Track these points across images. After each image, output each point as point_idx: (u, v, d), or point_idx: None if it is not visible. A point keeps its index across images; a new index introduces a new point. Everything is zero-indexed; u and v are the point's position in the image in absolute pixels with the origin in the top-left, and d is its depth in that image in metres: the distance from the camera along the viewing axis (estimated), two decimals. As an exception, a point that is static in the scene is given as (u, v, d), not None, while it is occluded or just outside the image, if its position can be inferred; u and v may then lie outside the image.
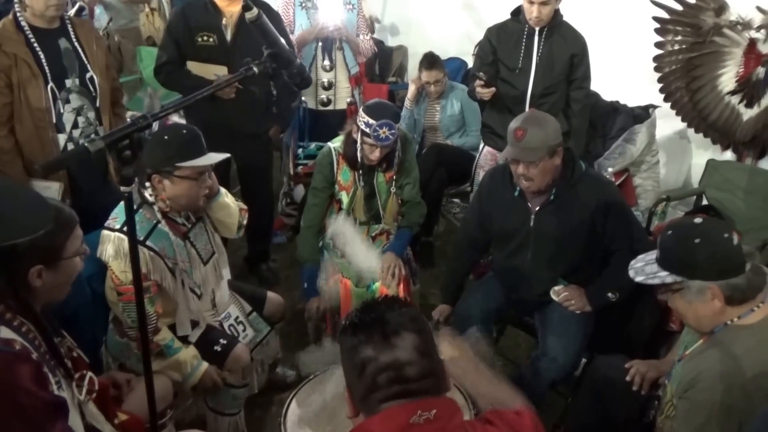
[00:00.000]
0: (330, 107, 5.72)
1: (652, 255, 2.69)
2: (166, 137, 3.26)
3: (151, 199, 3.31)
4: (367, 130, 4.00)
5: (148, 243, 3.26)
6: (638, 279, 2.68)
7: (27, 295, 2.31)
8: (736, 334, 2.53)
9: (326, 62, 5.58)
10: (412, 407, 1.78)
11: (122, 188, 2.22)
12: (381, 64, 8.03)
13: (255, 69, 2.81)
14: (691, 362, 2.67)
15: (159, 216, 3.34)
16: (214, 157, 3.35)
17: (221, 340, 3.57)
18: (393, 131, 4.00)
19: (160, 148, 3.24)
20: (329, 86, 5.64)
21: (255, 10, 2.99)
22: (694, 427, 2.52)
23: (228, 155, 3.48)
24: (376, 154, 4.11)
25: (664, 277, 2.59)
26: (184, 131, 3.33)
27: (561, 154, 3.61)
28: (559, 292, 3.82)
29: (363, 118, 4.02)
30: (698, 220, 2.62)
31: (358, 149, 4.15)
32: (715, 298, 2.50)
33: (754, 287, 2.51)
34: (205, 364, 3.45)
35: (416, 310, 1.97)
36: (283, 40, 3.19)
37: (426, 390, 1.82)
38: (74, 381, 2.44)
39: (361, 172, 4.27)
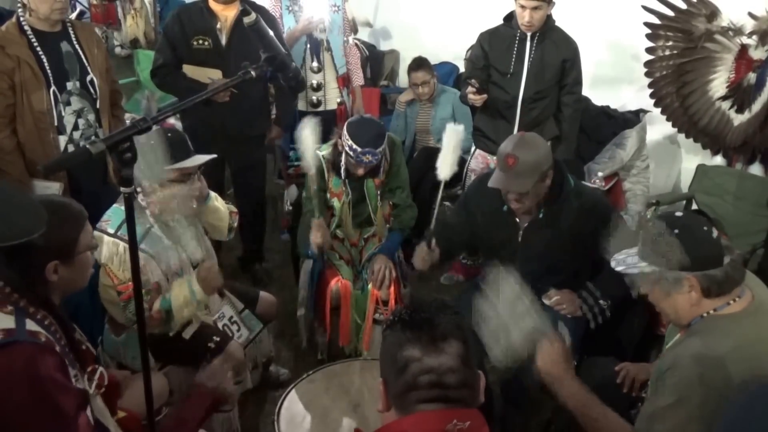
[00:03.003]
0: (320, 108, 5.72)
1: (635, 248, 2.71)
2: (152, 142, 3.28)
3: (143, 203, 3.35)
4: (351, 152, 4.02)
5: (141, 246, 3.29)
6: (619, 269, 2.70)
7: (45, 290, 2.37)
8: (713, 324, 2.54)
9: (314, 64, 5.59)
10: (449, 415, 1.79)
11: (122, 189, 2.25)
12: (373, 68, 8.04)
13: (252, 73, 2.83)
14: (668, 354, 2.69)
15: (152, 220, 3.39)
16: (200, 159, 3.39)
17: (214, 337, 3.59)
18: (376, 156, 4.03)
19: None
20: (318, 87, 5.65)
21: (253, 15, 3.01)
22: (661, 406, 2.51)
23: (213, 156, 3.50)
24: (360, 171, 4.15)
25: (643, 267, 2.61)
26: (170, 134, 3.35)
27: (551, 176, 3.60)
28: (551, 296, 3.82)
29: (347, 141, 4.03)
30: (679, 213, 2.67)
31: (342, 162, 4.18)
32: (692, 289, 2.52)
33: (731, 280, 2.53)
34: (192, 275, 3.48)
35: (464, 318, 1.97)
36: (279, 44, 3.21)
37: (463, 400, 1.84)
38: (86, 374, 2.49)
39: (347, 181, 4.28)
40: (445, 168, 3.70)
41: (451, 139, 3.73)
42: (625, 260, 2.70)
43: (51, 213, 2.27)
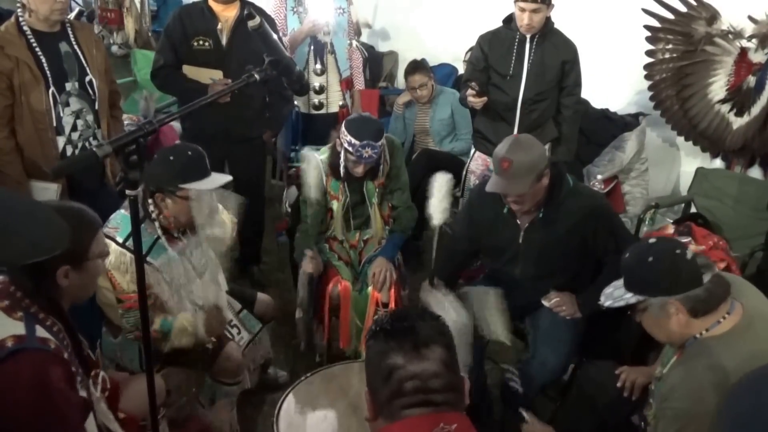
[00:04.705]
0: (322, 111, 5.71)
1: (621, 281, 2.76)
2: (171, 157, 3.30)
3: (153, 215, 3.35)
4: (350, 149, 3.99)
5: (148, 259, 3.29)
6: (607, 304, 2.76)
7: (55, 295, 2.38)
8: (705, 346, 2.58)
9: (318, 66, 5.59)
10: (435, 419, 1.81)
11: (128, 192, 2.25)
12: (372, 70, 8.02)
13: (256, 76, 2.82)
14: (666, 379, 2.73)
15: (160, 231, 3.38)
16: (217, 181, 3.39)
17: (212, 338, 3.58)
18: (376, 150, 4.00)
19: (164, 168, 3.28)
20: (321, 90, 5.64)
21: (258, 19, 3.01)
22: None
23: (230, 177, 3.51)
24: (360, 169, 4.12)
25: (629, 298, 2.67)
26: (189, 152, 3.35)
27: (548, 175, 3.60)
28: (550, 298, 3.84)
29: (345, 136, 4.01)
30: (652, 240, 2.73)
31: (342, 164, 4.16)
32: (678, 312, 2.57)
33: (715, 297, 2.58)
34: (200, 317, 3.45)
35: (445, 323, 2.01)
36: (283, 47, 3.21)
37: (448, 403, 1.85)
38: (90, 378, 2.50)
39: (347, 183, 4.26)
40: (437, 215, 3.69)
41: (442, 186, 3.72)
42: (612, 293, 2.76)
43: (65, 219, 2.26)
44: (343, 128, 4.07)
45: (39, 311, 2.31)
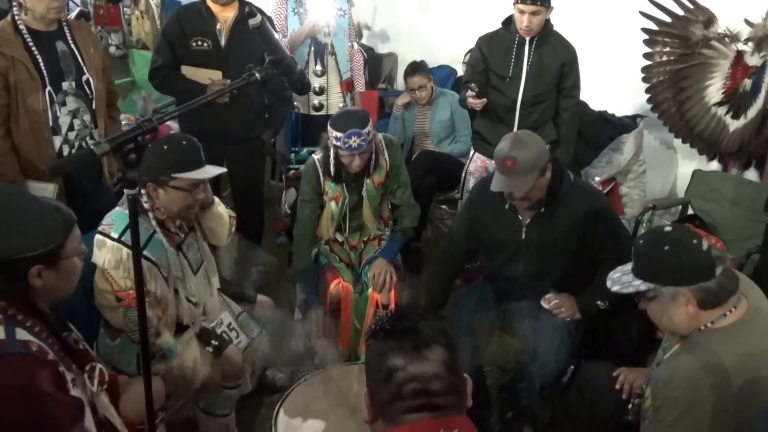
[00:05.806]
0: (322, 112, 5.71)
1: (629, 266, 2.74)
2: (165, 147, 3.26)
3: (147, 207, 3.29)
4: (338, 143, 4.00)
5: (145, 253, 3.24)
6: (614, 289, 2.74)
7: (31, 296, 2.31)
8: (709, 337, 2.58)
9: (318, 67, 5.59)
10: (436, 425, 1.77)
11: (127, 191, 2.23)
12: (371, 71, 8.01)
13: (257, 75, 2.81)
14: (666, 365, 2.73)
15: (155, 225, 3.33)
16: (210, 171, 3.37)
17: (212, 341, 3.57)
18: (363, 137, 3.97)
19: (158, 158, 3.23)
20: (321, 91, 5.65)
21: (258, 17, 3.00)
22: (665, 423, 2.57)
23: (224, 169, 3.50)
24: (356, 162, 4.10)
25: (639, 285, 2.65)
26: (184, 142, 3.32)
27: (550, 169, 3.62)
28: (549, 300, 3.83)
29: (331, 134, 4.02)
30: (668, 228, 2.69)
31: (332, 162, 4.16)
32: (688, 303, 2.56)
33: (726, 290, 2.57)
34: (205, 368, 3.44)
35: (448, 323, 1.95)
36: (284, 47, 3.19)
37: (450, 406, 1.81)
38: (86, 373, 2.45)
39: (345, 183, 4.27)
40: None
41: None
42: (620, 279, 2.75)
43: None
44: (328, 127, 4.09)
45: (17, 313, 2.25)
